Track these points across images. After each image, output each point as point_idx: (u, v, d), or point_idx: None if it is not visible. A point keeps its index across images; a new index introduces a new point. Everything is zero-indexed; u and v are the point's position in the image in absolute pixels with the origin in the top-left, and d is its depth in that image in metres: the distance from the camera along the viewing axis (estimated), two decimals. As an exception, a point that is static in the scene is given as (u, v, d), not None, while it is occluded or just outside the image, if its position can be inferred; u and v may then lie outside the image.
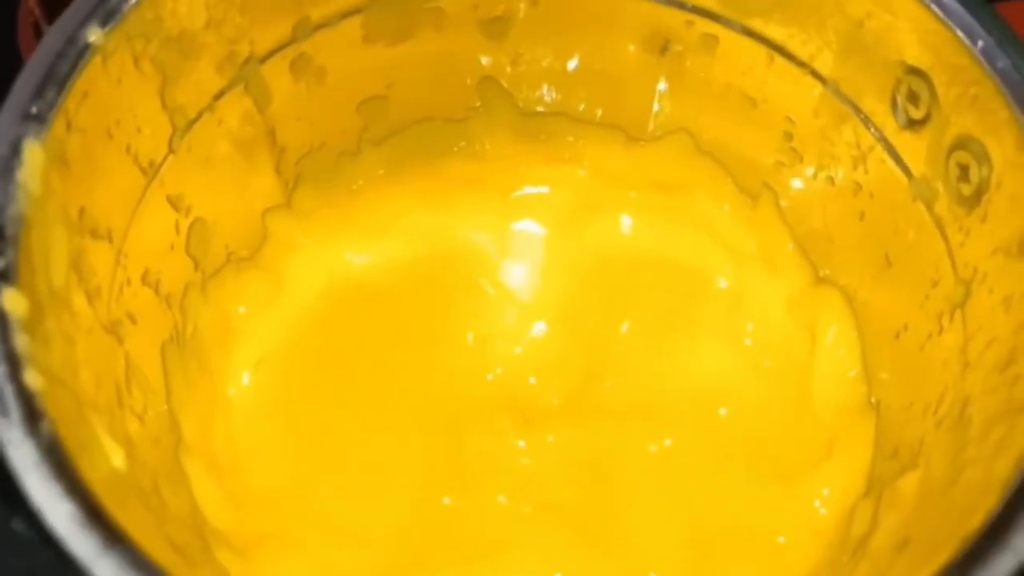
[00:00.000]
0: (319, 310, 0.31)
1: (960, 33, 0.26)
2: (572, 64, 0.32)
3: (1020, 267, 0.24)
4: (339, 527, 0.28)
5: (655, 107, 0.32)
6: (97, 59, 0.24)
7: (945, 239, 0.27)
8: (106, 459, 0.21)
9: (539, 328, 0.31)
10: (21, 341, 0.20)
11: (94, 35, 0.24)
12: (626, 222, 0.32)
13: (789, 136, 0.31)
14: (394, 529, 0.28)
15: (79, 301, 0.24)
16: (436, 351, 0.30)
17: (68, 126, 0.24)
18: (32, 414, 0.19)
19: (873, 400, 0.29)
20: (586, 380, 0.30)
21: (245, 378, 0.30)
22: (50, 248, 0.23)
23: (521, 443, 0.29)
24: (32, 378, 0.20)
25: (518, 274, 0.32)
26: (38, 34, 0.34)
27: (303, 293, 0.31)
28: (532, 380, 0.30)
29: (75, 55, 0.24)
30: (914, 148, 0.28)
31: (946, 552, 0.21)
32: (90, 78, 0.24)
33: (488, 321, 0.31)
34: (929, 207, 0.27)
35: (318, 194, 0.31)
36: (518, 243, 0.32)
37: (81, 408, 0.22)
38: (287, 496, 0.28)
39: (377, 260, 0.32)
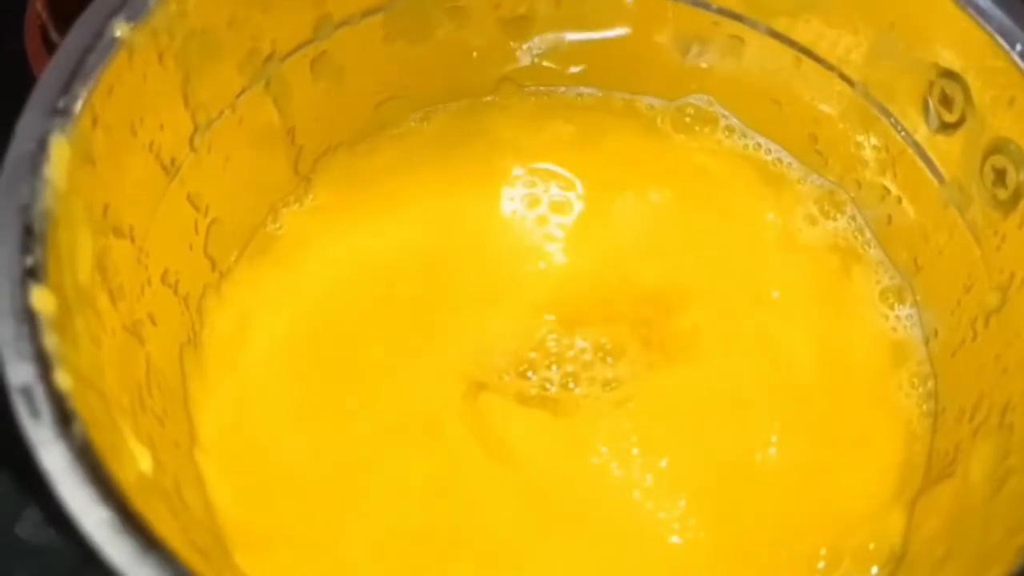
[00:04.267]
0: (334, 304, 0.30)
1: (997, 35, 0.26)
2: (589, 64, 0.31)
3: (1059, 272, 0.24)
4: (356, 524, 0.27)
5: (678, 103, 0.32)
6: (123, 54, 0.24)
7: (979, 244, 0.27)
8: (134, 462, 0.21)
9: (549, 318, 0.31)
10: (51, 341, 0.20)
11: (120, 29, 0.24)
12: (646, 209, 0.32)
13: (814, 139, 0.31)
14: (412, 526, 0.27)
15: (103, 300, 0.23)
16: (453, 344, 0.30)
17: (94, 122, 0.23)
18: (64, 415, 0.19)
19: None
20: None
21: (261, 376, 0.29)
22: (76, 246, 0.22)
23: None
24: (63, 378, 0.19)
25: (536, 262, 0.31)
26: (45, 38, 0.33)
27: (318, 288, 0.30)
28: (554, 369, 0.29)
29: (102, 49, 0.24)
30: (946, 152, 0.27)
31: (997, 569, 0.20)
32: (116, 73, 0.24)
33: (506, 311, 0.31)
34: (962, 212, 0.27)
35: (334, 190, 0.31)
36: (536, 230, 0.32)
37: (109, 409, 0.21)
38: (305, 495, 0.27)
39: (392, 254, 0.31)
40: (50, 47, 0.32)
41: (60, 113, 0.22)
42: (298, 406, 0.29)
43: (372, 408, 0.29)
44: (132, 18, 0.24)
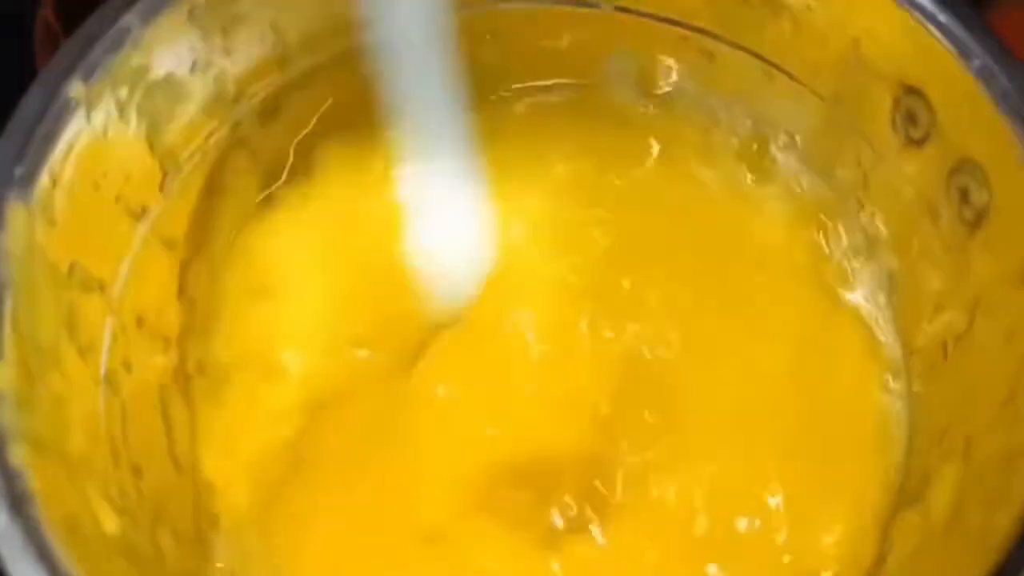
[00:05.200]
0: (318, 326, 0.31)
1: (956, 52, 0.25)
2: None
3: (1021, 295, 0.24)
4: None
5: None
6: (80, 113, 0.24)
7: (948, 263, 0.27)
8: (99, 526, 0.22)
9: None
10: (7, 416, 0.20)
11: (75, 89, 0.24)
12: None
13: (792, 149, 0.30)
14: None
15: (70, 358, 0.24)
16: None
17: (54, 183, 0.24)
18: (16, 497, 0.19)
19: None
20: None
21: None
22: (37, 309, 0.23)
23: None
24: (17, 454, 0.20)
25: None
26: (55, 47, 0.34)
27: (302, 310, 0.31)
28: None
29: (58, 111, 0.24)
30: (915, 168, 0.27)
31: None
32: (74, 133, 0.24)
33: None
34: (932, 228, 0.27)
35: (310, 219, 0.31)
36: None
37: (73, 475, 0.22)
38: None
39: (378, 271, 0.31)
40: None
41: (17, 181, 0.23)
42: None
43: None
44: (88, 77, 0.24)
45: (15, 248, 0.23)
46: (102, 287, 0.25)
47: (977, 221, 0.25)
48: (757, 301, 0.30)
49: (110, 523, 0.22)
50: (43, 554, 0.19)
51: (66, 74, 0.24)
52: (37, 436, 0.21)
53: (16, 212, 0.23)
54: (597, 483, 0.27)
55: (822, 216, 0.30)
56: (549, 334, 0.29)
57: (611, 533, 0.27)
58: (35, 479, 0.20)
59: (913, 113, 0.27)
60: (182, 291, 0.28)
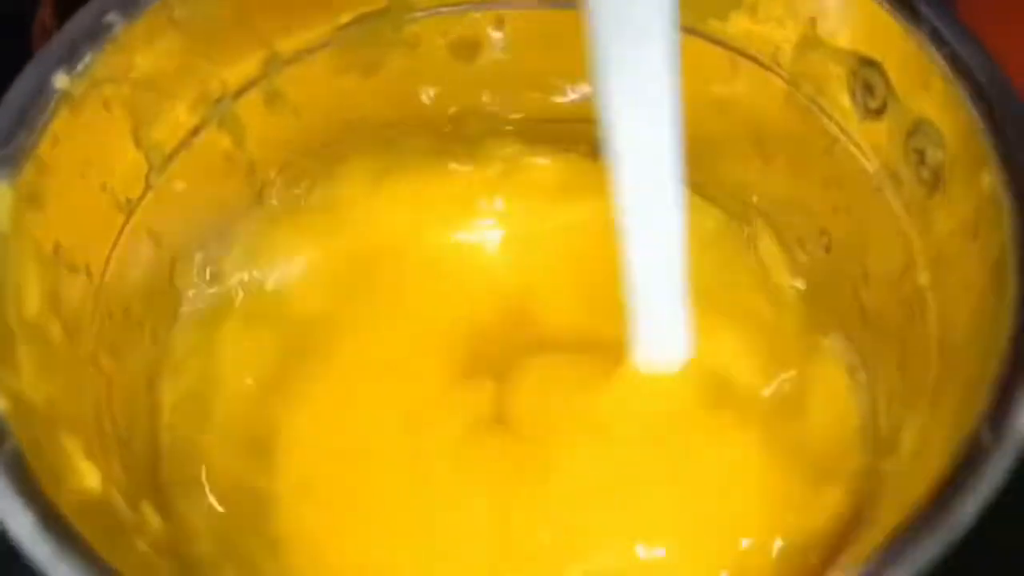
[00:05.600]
0: (304, 322, 0.31)
1: (908, 21, 0.26)
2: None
3: (975, 248, 0.25)
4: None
5: None
6: (66, 105, 0.25)
7: (912, 225, 0.27)
8: (80, 479, 0.22)
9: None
10: (-15, 367, 0.21)
11: (61, 81, 0.25)
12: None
13: (759, 139, 0.31)
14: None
15: (56, 332, 0.25)
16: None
17: (39, 169, 0.25)
18: (-4, 434, 0.20)
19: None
20: None
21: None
22: (23, 283, 0.24)
23: None
24: (-1, 402, 0.21)
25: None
26: None
27: (286, 310, 0.32)
28: None
29: (44, 101, 0.25)
30: (875, 138, 0.28)
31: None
32: (60, 123, 0.25)
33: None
34: (895, 194, 0.28)
35: (297, 217, 0.32)
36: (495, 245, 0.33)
37: (54, 431, 0.22)
38: None
39: (356, 272, 0.32)
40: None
41: (3, 161, 0.24)
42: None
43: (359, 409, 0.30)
44: (73, 70, 0.26)
45: (1, 224, 0.24)
46: (88, 271, 0.26)
47: (934, 180, 0.26)
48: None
49: (93, 480, 0.23)
50: (23, 486, 0.19)
51: (53, 66, 0.25)
52: (16, 392, 0.22)
53: (2, 191, 0.24)
54: None
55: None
56: None
57: None
58: (16, 425, 0.21)
59: (870, 84, 0.28)
60: (170, 285, 0.29)
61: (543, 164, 0.33)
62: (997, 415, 0.20)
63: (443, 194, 0.33)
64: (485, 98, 0.33)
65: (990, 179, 0.24)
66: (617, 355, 0.28)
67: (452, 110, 0.33)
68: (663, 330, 0.27)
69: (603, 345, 0.28)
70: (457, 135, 0.33)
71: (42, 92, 0.25)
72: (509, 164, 0.33)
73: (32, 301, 0.24)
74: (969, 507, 0.19)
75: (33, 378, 0.23)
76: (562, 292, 0.32)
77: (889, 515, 0.21)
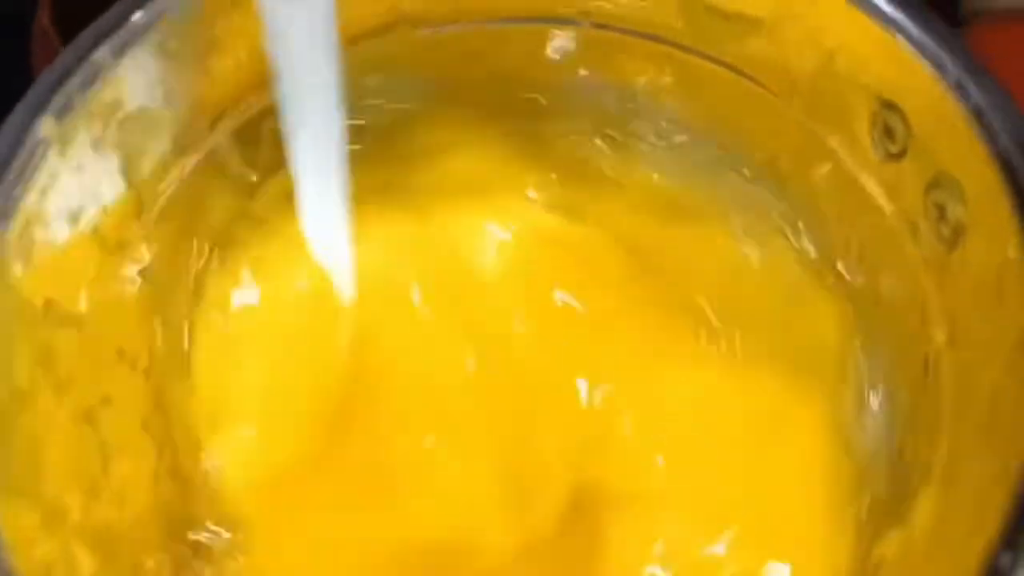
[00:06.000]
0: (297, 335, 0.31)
1: (932, 67, 0.25)
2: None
3: (1000, 315, 0.24)
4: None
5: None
6: (54, 150, 0.24)
7: (929, 279, 0.26)
8: (75, 572, 0.22)
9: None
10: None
11: (48, 127, 0.24)
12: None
13: (774, 169, 0.30)
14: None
15: (46, 396, 0.24)
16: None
17: (28, 222, 0.24)
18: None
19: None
20: None
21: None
22: (11, 350, 0.23)
23: None
24: (-12, 503, 0.20)
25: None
26: (52, 54, 0.34)
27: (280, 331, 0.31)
28: None
29: (31, 149, 0.24)
30: (894, 182, 0.27)
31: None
32: (48, 171, 0.24)
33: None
34: (912, 244, 0.27)
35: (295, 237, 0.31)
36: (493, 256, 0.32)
37: (47, 519, 0.22)
38: None
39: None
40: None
41: (-10, 222, 0.23)
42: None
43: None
44: (61, 113, 0.24)
45: (-12, 289, 0.23)
46: (79, 324, 0.25)
47: (954, 238, 0.25)
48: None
49: (87, 566, 0.22)
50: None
51: (38, 111, 0.24)
52: (10, 483, 0.21)
53: (-12, 253, 0.23)
54: None
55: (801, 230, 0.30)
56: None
57: None
58: (6, 528, 0.20)
59: (890, 127, 0.26)
60: (162, 323, 0.29)
61: None
62: (1016, 539, 0.19)
63: None
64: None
65: (1015, 250, 0.23)
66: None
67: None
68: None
69: None
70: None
71: (28, 140, 0.24)
72: None
73: (22, 370, 0.23)
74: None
75: (23, 459, 0.22)
76: None
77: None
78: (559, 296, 0.31)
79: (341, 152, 0.26)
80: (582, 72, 0.31)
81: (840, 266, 0.30)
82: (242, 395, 0.30)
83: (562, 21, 0.30)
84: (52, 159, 0.24)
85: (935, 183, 0.26)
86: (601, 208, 0.31)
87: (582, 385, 0.30)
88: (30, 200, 0.24)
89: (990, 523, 0.21)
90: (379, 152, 0.31)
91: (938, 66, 0.25)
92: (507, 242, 0.31)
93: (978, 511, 0.21)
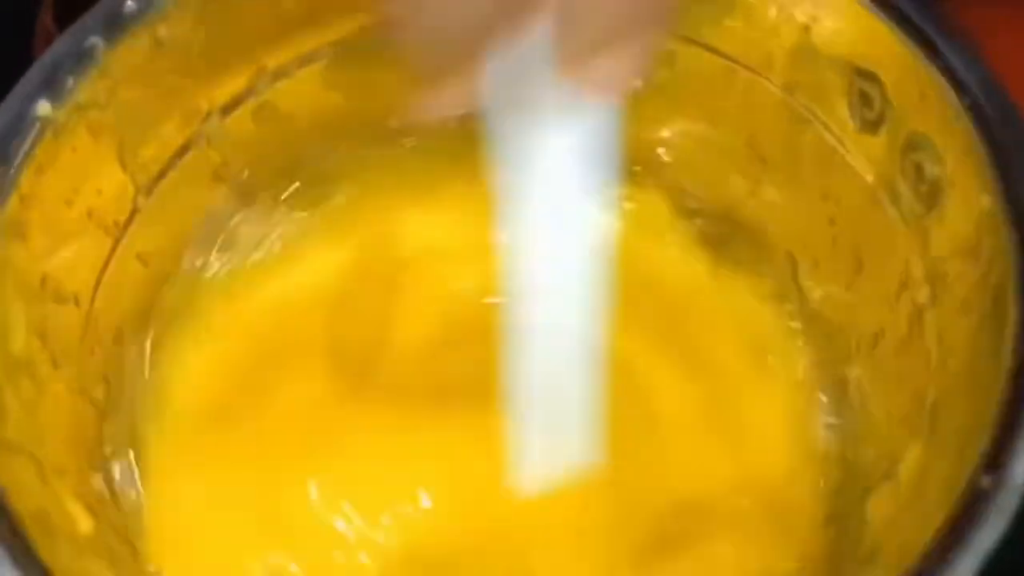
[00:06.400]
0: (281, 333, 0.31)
1: (904, 33, 0.26)
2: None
3: (976, 268, 0.24)
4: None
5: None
6: (49, 133, 0.25)
7: (909, 240, 0.27)
8: (72, 524, 0.22)
9: None
10: (-28, 416, 0.21)
11: (44, 109, 0.25)
12: None
13: (753, 145, 0.31)
14: None
15: (43, 366, 0.24)
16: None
17: (22, 200, 0.24)
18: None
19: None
20: None
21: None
22: (7, 320, 0.23)
23: None
24: (-17, 451, 0.21)
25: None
26: None
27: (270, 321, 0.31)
28: None
29: (26, 130, 0.25)
30: (873, 150, 0.27)
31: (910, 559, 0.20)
32: (44, 151, 0.25)
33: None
34: (893, 207, 0.27)
35: (288, 227, 0.32)
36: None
37: (44, 475, 0.22)
38: None
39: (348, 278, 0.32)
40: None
41: (-16, 196, 0.24)
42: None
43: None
44: (56, 97, 0.25)
45: (-17, 260, 0.23)
46: (77, 300, 0.26)
47: (932, 196, 0.26)
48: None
49: (84, 524, 0.22)
50: (13, 546, 0.19)
51: (35, 94, 0.25)
52: (7, 439, 0.21)
53: (-18, 226, 0.23)
54: None
55: None
56: None
57: None
58: (3, 474, 0.20)
59: (867, 95, 0.27)
60: (158, 306, 0.29)
61: None
62: (996, 462, 0.20)
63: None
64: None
65: (990, 201, 0.24)
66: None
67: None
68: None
69: None
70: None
71: (24, 121, 0.25)
72: None
73: (18, 337, 0.24)
74: (969, 561, 0.19)
75: (20, 420, 0.22)
76: None
77: (889, 557, 0.21)
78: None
79: None
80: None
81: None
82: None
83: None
84: (47, 141, 0.25)
85: (912, 145, 0.26)
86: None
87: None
88: (25, 180, 0.25)
89: (971, 458, 0.21)
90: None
91: (909, 30, 0.26)
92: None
93: (960, 451, 0.22)
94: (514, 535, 0.27)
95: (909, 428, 0.25)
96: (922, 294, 0.26)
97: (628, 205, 0.32)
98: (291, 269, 0.31)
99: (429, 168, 0.32)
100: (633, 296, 0.29)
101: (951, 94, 0.25)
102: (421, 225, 0.32)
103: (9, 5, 0.35)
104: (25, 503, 0.21)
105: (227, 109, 0.29)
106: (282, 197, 0.31)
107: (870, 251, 0.28)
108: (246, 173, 0.30)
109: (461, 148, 0.31)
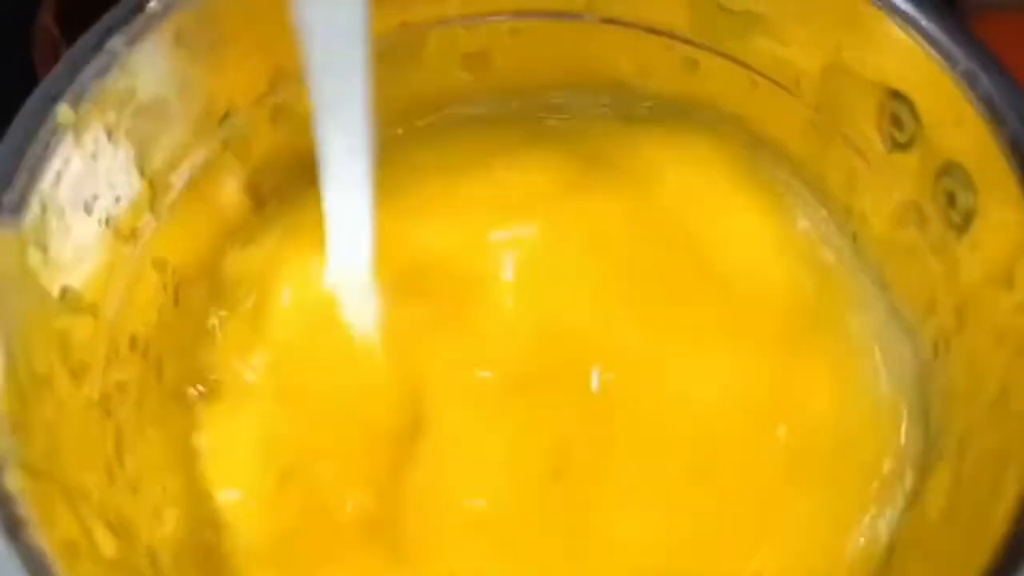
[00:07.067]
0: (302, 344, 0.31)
1: (939, 57, 0.25)
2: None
3: (1010, 298, 0.24)
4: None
5: None
6: (69, 138, 0.24)
7: (938, 265, 0.27)
8: (97, 551, 0.22)
9: None
10: (1, 442, 0.20)
11: (64, 114, 0.24)
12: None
13: (779, 157, 0.31)
14: None
15: (63, 382, 0.24)
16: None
17: (43, 209, 0.24)
18: (14, 521, 0.19)
19: None
20: None
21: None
22: (29, 336, 0.23)
23: None
24: (13, 479, 0.20)
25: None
26: (54, 52, 0.34)
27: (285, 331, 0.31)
28: None
29: (46, 136, 0.24)
30: (902, 172, 0.27)
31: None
32: (63, 158, 0.24)
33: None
34: (920, 232, 0.27)
35: (296, 233, 0.31)
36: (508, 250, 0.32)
37: (68, 499, 0.22)
38: None
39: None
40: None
41: (7, 209, 0.23)
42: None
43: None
44: (76, 101, 0.25)
45: (6, 276, 0.23)
46: (94, 311, 0.25)
47: (964, 224, 0.26)
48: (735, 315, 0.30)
49: (108, 547, 0.22)
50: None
51: (54, 100, 0.24)
52: (31, 462, 0.21)
53: (7, 240, 0.23)
54: None
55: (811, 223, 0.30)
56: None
57: None
58: (31, 504, 0.20)
59: (898, 118, 0.27)
60: (174, 312, 0.29)
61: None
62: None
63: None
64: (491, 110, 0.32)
65: (1025, 233, 0.24)
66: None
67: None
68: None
69: None
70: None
71: (44, 127, 0.24)
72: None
73: (42, 354, 0.23)
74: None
75: (44, 441, 0.22)
76: None
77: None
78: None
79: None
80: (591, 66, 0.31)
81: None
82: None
83: (570, 16, 0.30)
84: (67, 147, 0.24)
85: (944, 171, 0.26)
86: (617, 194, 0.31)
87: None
88: (45, 187, 0.24)
89: (1006, 494, 0.21)
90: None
91: (947, 56, 0.25)
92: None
93: (991, 485, 0.22)
94: None
95: (936, 451, 0.25)
96: (950, 319, 0.26)
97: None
98: None
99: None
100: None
101: (989, 124, 0.25)
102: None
103: (8, 5, 0.34)
104: (52, 533, 0.20)
105: (245, 111, 0.29)
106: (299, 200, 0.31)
107: (893, 273, 0.28)
108: (264, 176, 0.30)
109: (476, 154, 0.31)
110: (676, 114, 0.31)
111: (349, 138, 0.26)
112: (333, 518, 0.27)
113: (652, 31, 0.30)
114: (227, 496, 0.27)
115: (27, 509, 0.20)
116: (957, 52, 0.25)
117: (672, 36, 0.30)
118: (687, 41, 0.30)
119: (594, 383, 0.28)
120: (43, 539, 0.20)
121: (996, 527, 0.21)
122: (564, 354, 0.29)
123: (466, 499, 0.28)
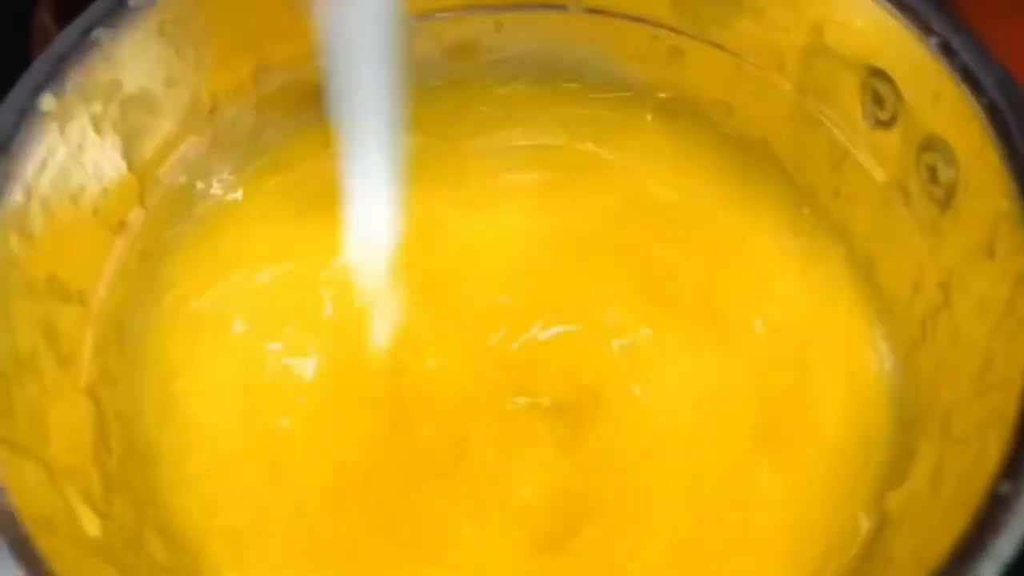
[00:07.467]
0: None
1: (917, 31, 0.25)
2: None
3: (992, 269, 0.24)
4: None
5: None
6: (54, 127, 0.25)
7: (922, 241, 0.27)
8: (80, 527, 0.22)
9: None
10: (-21, 417, 0.21)
11: (48, 104, 0.25)
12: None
13: (766, 144, 0.31)
14: None
15: (49, 366, 0.24)
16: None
17: (28, 197, 0.24)
18: (-10, 488, 0.20)
19: None
20: None
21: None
22: (14, 320, 0.23)
23: None
24: (-9, 452, 0.20)
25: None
26: None
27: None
28: None
29: (30, 125, 0.24)
30: (885, 150, 0.27)
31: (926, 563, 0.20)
32: (48, 148, 0.25)
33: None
34: (905, 209, 0.27)
35: (284, 216, 0.31)
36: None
37: (53, 477, 0.22)
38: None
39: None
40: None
41: (-11, 194, 0.23)
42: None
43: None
44: (60, 92, 0.25)
45: (-10, 259, 0.23)
46: (82, 299, 0.26)
47: (946, 198, 0.26)
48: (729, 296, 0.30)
49: (92, 526, 0.22)
50: (15, 545, 0.19)
51: (38, 89, 0.25)
52: (13, 440, 0.21)
53: (-13, 225, 0.23)
54: None
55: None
56: None
57: None
58: (7, 473, 0.20)
59: (880, 95, 0.27)
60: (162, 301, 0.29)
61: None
62: (1016, 468, 0.19)
63: None
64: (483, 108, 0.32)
65: (1007, 201, 0.23)
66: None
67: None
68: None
69: None
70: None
71: (28, 116, 0.25)
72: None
73: (25, 338, 0.23)
74: (989, 569, 0.18)
75: (27, 420, 0.22)
76: None
77: (903, 561, 0.21)
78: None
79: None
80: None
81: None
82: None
83: (554, 7, 0.31)
84: (52, 136, 0.25)
85: (926, 146, 0.26)
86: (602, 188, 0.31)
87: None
88: (28, 175, 0.24)
89: (988, 462, 0.21)
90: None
91: (923, 29, 0.25)
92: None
93: (976, 454, 0.21)
94: None
95: (921, 429, 0.25)
96: (936, 296, 0.26)
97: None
98: None
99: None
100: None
101: (966, 94, 0.25)
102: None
103: (6, 3, 0.34)
104: (33, 507, 0.20)
105: (230, 103, 0.29)
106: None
107: (881, 252, 0.28)
108: (249, 168, 0.30)
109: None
110: (663, 104, 0.31)
111: (378, 115, 0.26)
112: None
113: (636, 20, 0.30)
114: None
115: (5, 478, 0.20)
116: (934, 25, 0.25)
117: (657, 25, 0.30)
118: (671, 29, 0.30)
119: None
120: (17, 507, 0.20)
121: (978, 493, 0.20)
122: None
123: None
